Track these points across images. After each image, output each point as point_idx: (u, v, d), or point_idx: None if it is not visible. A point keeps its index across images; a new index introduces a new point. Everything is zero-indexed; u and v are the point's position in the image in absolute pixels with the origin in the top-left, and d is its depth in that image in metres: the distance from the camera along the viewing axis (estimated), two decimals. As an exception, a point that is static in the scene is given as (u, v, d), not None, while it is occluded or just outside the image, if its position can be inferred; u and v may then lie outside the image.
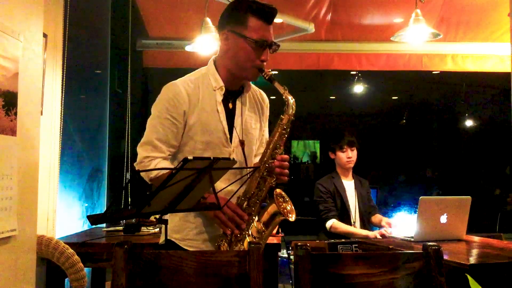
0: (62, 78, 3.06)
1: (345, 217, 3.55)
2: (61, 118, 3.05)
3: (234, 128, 1.96)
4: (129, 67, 4.48)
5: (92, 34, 4.09)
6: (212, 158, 1.57)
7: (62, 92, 3.05)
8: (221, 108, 1.94)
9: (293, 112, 1.92)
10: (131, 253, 1.49)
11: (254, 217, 1.91)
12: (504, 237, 3.50)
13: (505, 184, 9.49)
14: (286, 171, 1.91)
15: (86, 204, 3.90)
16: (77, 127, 3.63)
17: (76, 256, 2.53)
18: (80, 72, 3.71)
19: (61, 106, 3.04)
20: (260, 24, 1.89)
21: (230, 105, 1.98)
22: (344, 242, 3.24)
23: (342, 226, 3.47)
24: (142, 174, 1.95)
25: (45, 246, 2.51)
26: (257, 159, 2.02)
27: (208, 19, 3.75)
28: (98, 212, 3.94)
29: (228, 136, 1.94)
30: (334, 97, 11.71)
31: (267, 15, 1.90)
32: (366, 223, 3.64)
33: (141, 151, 1.94)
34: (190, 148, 1.93)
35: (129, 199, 4.17)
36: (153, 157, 1.91)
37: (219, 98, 1.94)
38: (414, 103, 11.27)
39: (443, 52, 4.94)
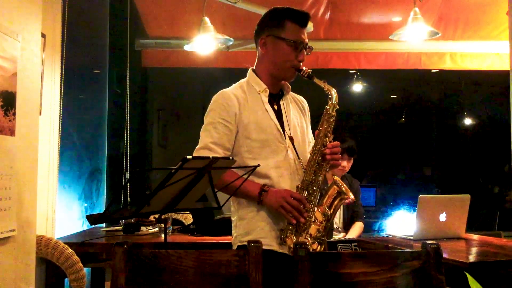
0: (61, 78, 3.05)
1: None
2: (59, 118, 3.04)
3: (285, 125, 2.07)
4: (128, 66, 4.48)
5: (90, 34, 4.09)
6: (211, 157, 1.58)
7: (60, 92, 3.04)
8: (269, 108, 2.06)
9: (337, 101, 2.05)
10: (130, 252, 1.49)
11: (315, 204, 2.00)
12: (503, 235, 3.51)
13: (504, 182, 9.49)
14: (338, 155, 2.02)
15: (86, 204, 3.90)
16: (76, 127, 3.63)
17: (75, 256, 2.53)
18: (78, 72, 3.71)
19: (60, 106, 3.04)
20: (296, 27, 2.06)
21: (276, 107, 2.11)
22: (343, 241, 3.24)
23: None
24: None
25: (44, 246, 2.51)
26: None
27: (206, 19, 3.74)
28: (97, 212, 3.95)
29: (282, 132, 2.05)
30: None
31: (302, 18, 2.07)
32: (349, 226, 3.60)
33: (198, 155, 1.99)
34: (247, 148, 2.01)
35: (129, 199, 4.17)
36: None
37: (265, 99, 2.07)
38: (413, 101, 11.27)
39: (442, 50, 4.94)
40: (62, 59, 3.06)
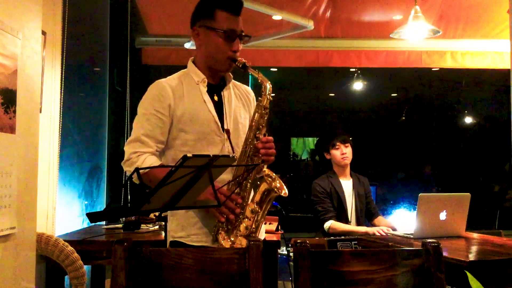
0: (61, 76, 3.05)
1: (342, 217, 3.54)
2: (60, 115, 3.04)
3: (224, 117, 1.99)
4: (128, 64, 4.48)
5: (91, 31, 4.09)
6: (211, 155, 1.57)
7: (61, 89, 3.04)
8: (207, 99, 1.98)
9: (270, 93, 1.95)
10: (130, 250, 1.49)
11: (247, 200, 1.92)
12: (503, 233, 3.51)
13: (504, 181, 9.50)
14: (271, 151, 1.92)
15: (86, 202, 3.90)
16: (76, 124, 3.63)
17: (75, 254, 2.53)
18: (79, 69, 3.71)
19: (60, 103, 3.04)
20: (227, 16, 1.95)
21: (216, 98, 2.02)
22: (343, 239, 3.25)
23: (340, 226, 3.45)
24: (126, 168, 1.94)
25: (44, 244, 2.51)
26: None
27: (207, 16, 3.73)
28: (97, 210, 3.95)
29: (219, 124, 1.96)
30: (333, 94, 11.70)
31: (233, 6, 1.97)
32: (362, 223, 3.62)
33: (128, 148, 1.94)
34: (181, 141, 1.94)
35: (129, 196, 4.17)
36: (141, 152, 1.91)
37: (203, 89, 1.99)
38: (413, 100, 11.27)
39: (443, 49, 4.94)
40: (62, 56, 3.06)
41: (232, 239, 1.88)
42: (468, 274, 1.11)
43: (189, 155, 1.49)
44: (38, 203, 2.18)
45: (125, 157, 1.94)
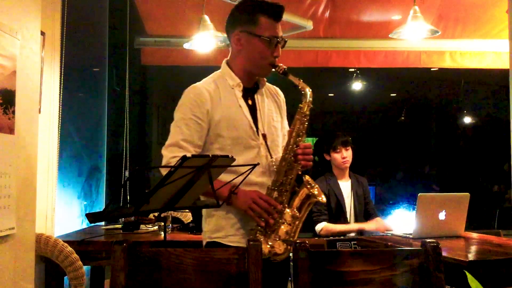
0: (60, 76, 3.05)
1: (341, 218, 3.54)
2: (59, 116, 3.04)
3: (258, 122, 2.02)
4: (127, 65, 4.48)
5: (90, 32, 4.08)
6: (210, 155, 1.58)
7: (60, 90, 3.04)
8: (243, 103, 2.01)
9: (311, 100, 2.00)
10: (130, 251, 1.49)
11: (285, 205, 1.95)
12: (502, 233, 3.51)
13: (503, 181, 9.50)
14: (309, 156, 1.97)
15: (85, 202, 3.90)
16: (75, 125, 3.63)
17: (75, 254, 2.53)
18: (78, 70, 3.71)
19: (59, 104, 3.04)
20: (270, 22, 1.98)
21: (250, 101, 2.05)
22: (342, 239, 3.24)
23: (335, 227, 3.43)
24: (165, 173, 1.95)
25: (44, 245, 2.51)
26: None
27: (206, 17, 3.74)
28: (96, 210, 3.94)
29: (255, 129, 2.00)
30: (332, 95, 11.70)
31: (276, 13, 1.99)
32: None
33: (167, 153, 1.96)
34: (219, 145, 1.97)
35: (128, 197, 4.17)
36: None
37: (239, 94, 2.02)
38: (413, 100, 11.26)
39: (442, 49, 4.93)
40: (61, 57, 3.06)
41: (270, 243, 1.92)
42: (467, 274, 1.11)
43: (188, 155, 1.50)
44: (37, 204, 2.18)
45: (164, 162, 1.96)
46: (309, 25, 4.42)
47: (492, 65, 4.94)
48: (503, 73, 4.07)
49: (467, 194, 2.85)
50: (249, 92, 2.06)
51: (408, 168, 11.27)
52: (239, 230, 1.96)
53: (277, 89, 2.21)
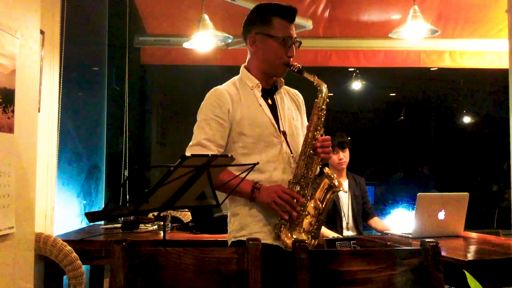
0: (60, 75, 3.05)
1: (337, 220, 3.53)
2: (58, 115, 3.04)
3: (279, 120, 2.08)
4: (127, 64, 4.47)
5: (89, 31, 4.08)
6: (210, 155, 1.58)
7: (59, 89, 3.04)
8: (263, 102, 2.08)
9: (327, 95, 2.07)
10: (129, 250, 1.49)
11: (308, 198, 2.00)
12: (501, 233, 3.51)
13: (502, 181, 9.50)
14: (328, 149, 2.03)
15: (84, 202, 3.89)
16: (74, 124, 3.62)
17: (74, 254, 2.53)
18: (77, 69, 3.70)
19: (59, 103, 3.03)
20: (284, 23, 2.07)
21: (270, 101, 2.11)
22: (342, 239, 3.24)
23: (328, 234, 3.41)
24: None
25: (43, 244, 2.51)
26: None
27: (205, 16, 3.74)
28: (96, 210, 3.94)
29: (276, 127, 2.06)
30: (332, 94, 11.67)
31: (289, 14, 2.08)
32: (359, 224, 3.61)
33: (191, 152, 1.98)
34: (242, 143, 2.03)
35: (127, 196, 4.16)
36: None
37: (258, 94, 2.08)
38: (412, 100, 11.27)
39: (441, 48, 4.93)
40: (61, 56, 3.05)
41: (295, 236, 1.96)
42: (466, 273, 1.11)
43: (188, 154, 1.50)
44: (36, 203, 2.18)
45: None
46: (308, 24, 4.42)
47: (491, 65, 4.94)
48: (503, 72, 4.08)
49: (467, 193, 2.86)
50: (268, 93, 2.14)
51: (407, 167, 11.28)
52: (264, 227, 2.00)
53: (297, 91, 2.29)
